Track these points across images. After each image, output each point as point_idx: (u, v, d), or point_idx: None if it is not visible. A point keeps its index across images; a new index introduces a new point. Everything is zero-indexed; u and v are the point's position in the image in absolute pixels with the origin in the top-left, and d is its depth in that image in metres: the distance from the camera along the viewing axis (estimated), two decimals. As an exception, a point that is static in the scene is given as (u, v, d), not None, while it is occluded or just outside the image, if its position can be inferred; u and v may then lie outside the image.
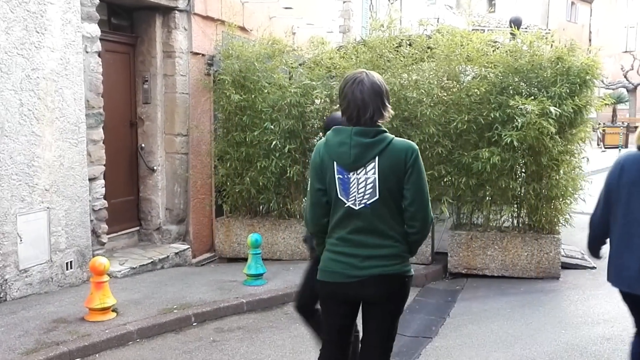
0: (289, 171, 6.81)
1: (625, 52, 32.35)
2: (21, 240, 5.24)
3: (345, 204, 2.63)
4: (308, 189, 2.77)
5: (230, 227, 7.35)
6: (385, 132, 2.63)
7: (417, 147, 2.66)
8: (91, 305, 4.77)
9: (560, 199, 6.48)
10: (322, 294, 2.81)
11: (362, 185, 2.59)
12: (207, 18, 7.59)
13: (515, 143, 6.00)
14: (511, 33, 7.04)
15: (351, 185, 2.60)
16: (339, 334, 2.80)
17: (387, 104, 2.64)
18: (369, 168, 2.59)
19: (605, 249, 3.37)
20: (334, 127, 2.70)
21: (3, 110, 5.03)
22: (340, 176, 2.63)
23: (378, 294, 2.66)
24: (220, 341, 4.69)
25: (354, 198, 2.61)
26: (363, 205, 2.60)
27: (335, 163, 2.63)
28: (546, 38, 6.90)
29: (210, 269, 7.02)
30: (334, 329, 2.81)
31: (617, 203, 3.10)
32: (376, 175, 2.58)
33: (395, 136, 2.67)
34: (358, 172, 2.60)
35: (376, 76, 2.65)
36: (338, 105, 2.76)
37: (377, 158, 2.58)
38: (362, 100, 2.58)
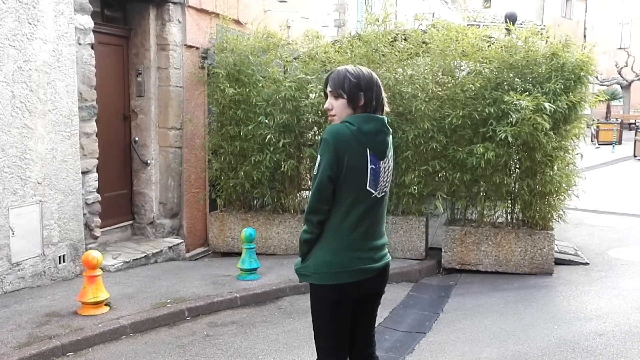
0: (283, 165, 6.79)
1: (620, 48, 32.43)
2: (13, 234, 5.20)
3: (372, 194, 2.56)
4: (317, 177, 2.53)
5: (224, 221, 7.34)
6: None
7: None
8: (84, 299, 4.75)
9: (554, 195, 6.50)
10: (342, 298, 2.58)
11: (387, 174, 2.63)
12: (201, 11, 7.54)
13: (510, 139, 6.00)
14: (506, 28, 7.03)
15: (381, 175, 2.59)
16: (345, 337, 2.66)
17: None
18: (389, 156, 2.64)
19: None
20: (362, 114, 2.57)
21: (-5, 103, 4.99)
22: (373, 166, 2.54)
23: (384, 283, 2.72)
24: (213, 336, 4.68)
25: (380, 188, 2.60)
26: (383, 193, 2.64)
27: (368, 151, 2.53)
28: (541, 34, 6.90)
29: (203, 264, 7.00)
30: (343, 332, 2.64)
31: None
32: (391, 164, 2.66)
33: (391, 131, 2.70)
34: (385, 161, 2.61)
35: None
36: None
37: (391, 146, 2.67)
38: (380, 93, 2.64)
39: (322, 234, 2.59)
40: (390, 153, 2.66)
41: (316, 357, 2.73)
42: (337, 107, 2.59)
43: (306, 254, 2.63)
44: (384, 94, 2.65)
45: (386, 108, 2.67)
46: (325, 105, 2.65)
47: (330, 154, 2.48)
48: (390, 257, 2.74)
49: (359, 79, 2.57)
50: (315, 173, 2.54)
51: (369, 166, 2.53)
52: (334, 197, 2.53)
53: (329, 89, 2.62)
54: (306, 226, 2.61)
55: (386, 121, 2.63)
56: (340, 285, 2.55)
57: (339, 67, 2.66)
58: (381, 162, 2.59)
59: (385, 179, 2.62)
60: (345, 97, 2.56)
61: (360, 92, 2.56)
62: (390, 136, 2.66)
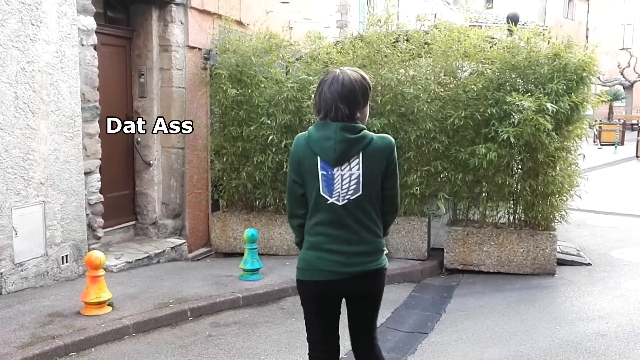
0: (285, 166, 6.80)
1: (622, 49, 32.40)
2: (16, 234, 5.22)
3: (328, 200, 2.60)
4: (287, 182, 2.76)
5: (226, 221, 7.35)
6: (365, 129, 2.64)
7: (394, 140, 2.72)
8: (87, 300, 4.76)
9: (556, 196, 6.49)
10: (308, 294, 2.73)
11: (347, 181, 2.59)
12: (203, 12, 7.55)
13: (512, 139, 6.00)
14: (508, 29, 7.03)
15: (335, 181, 2.59)
16: (327, 333, 2.79)
17: (362, 103, 2.64)
18: (353, 164, 2.58)
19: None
20: (318, 122, 2.63)
21: (-2, 103, 5.01)
22: (324, 172, 2.58)
23: (364, 289, 2.71)
24: (216, 336, 4.69)
25: (337, 194, 2.59)
26: (347, 201, 2.60)
27: (319, 158, 2.58)
28: (543, 34, 6.90)
29: (206, 264, 7.01)
30: (320, 328, 2.79)
31: None
32: (360, 172, 2.59)
33: (393, 132, 2.70)
34: (342, 167, 2.58)
35: (352, 75, 2.62)
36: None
37: (361, 154, 2.59)
38: (332, 100, 2.57)
39: None
40: (356, 162, 2.58)
41: None
42: None
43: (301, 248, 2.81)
44: (358, 99, 2.59)
45: (359, 114, 2.62)
46: None
47: (291, 160, 2.69)
48: (382, 265, 2.70)
49: (320, 84, 2.63)
50: None
51: (319, 172, 2.59)
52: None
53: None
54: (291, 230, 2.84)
55: (344, 128, 2.56)
56: (304, 281, 2.71)
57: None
58: (335, 169, 2.57)
59: (346, 187, 2.58)
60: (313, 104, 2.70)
61: (317, 98, 2.64)
62: (356, 143, 2.57)
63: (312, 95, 6.91)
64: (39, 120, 5.39)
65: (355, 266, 2.63)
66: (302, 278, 2.70)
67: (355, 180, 2.59)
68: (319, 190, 2.60)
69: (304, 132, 2.68)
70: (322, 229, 2.63)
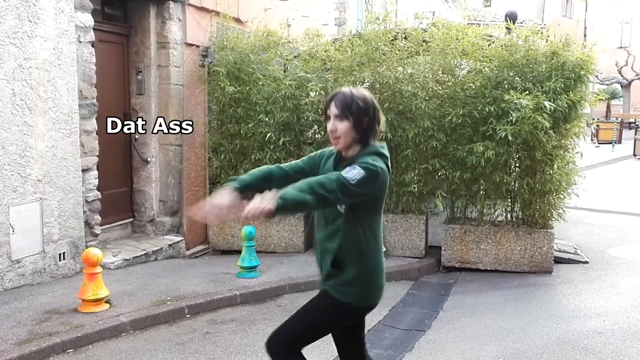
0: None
1: (620, 47, 32.41)
2: (13, 231, 5.21)
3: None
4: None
5: (224, 219, 7.32)
6: None
7: None
8: (84, 297, 4.76)
9: (554, 194, 6.50)
10: (355, 316, 2.72)
11: None
12: (201, 9, 7.54)
13: (510, 137, 6.01)
14: (507, 27, 7.03)
15: None
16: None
17: None
18: None
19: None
20: (378, 142, 2.64)
21: (-5, 100, 5.00)
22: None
23: None
24: (213, 333, 4.69)
25: None
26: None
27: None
28: (541, 33, 6.90)
29: (203, 261, 7.01)
30: (318, 338, 2.77)
31: None
32: None
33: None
34: None
35: None
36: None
37: None
38: None
39: None
40: None
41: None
42: (342, 130, 2.55)
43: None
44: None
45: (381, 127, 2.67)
46: (329, 127, 2.59)
47: (384, 182, 2.57)
48: (327, 290, 2.65)
49: (366, 102, 2.57)
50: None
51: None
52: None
53: (334, 110, 2.56)
54: None
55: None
56: (366, 307, 2.73)
57: (343, 89, 2.63)
58: None
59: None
60: (352, 120, 2.54)
61: (378, 118, 2.61)
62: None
63: (311, 93, 7.00)
64: (36, 117, 5.38)
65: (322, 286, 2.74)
66: (368, 304, 2.67)
67: None
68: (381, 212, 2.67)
69: (384, 150, 2.60)
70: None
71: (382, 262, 2.66)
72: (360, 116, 2.53)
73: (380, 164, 2.49)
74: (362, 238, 2.56)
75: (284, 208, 2.27)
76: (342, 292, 2.58)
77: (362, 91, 2.61)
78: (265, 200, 2.23)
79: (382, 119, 2.64)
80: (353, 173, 2.43)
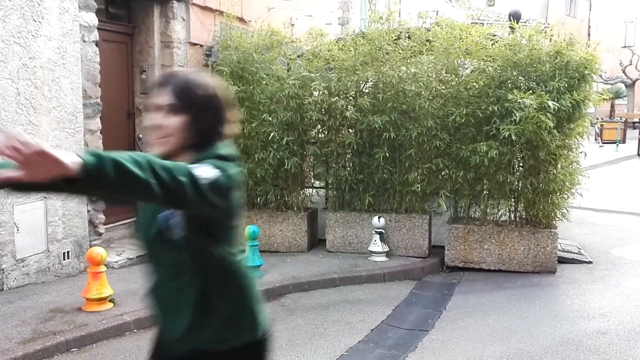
0: (286, 163, 6.80)
1: (624, 47, 32.33)
2: (18, 230, 5.23)
3: None
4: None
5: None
6: None
7: None
8: (88, 296, 4.77)
9: (558, 194, 6.49)
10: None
11: None
12: (205, 8, 7.55)
13: (513, 137, 6.00)
14: (510, 27, 7.02)
15: None
16: None
17: None
18: None
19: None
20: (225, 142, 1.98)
21: (0, 99, 5.01)
22: None
23: None
24: (217, 332, 4.69)
25: None
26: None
27: None
28: (545, 32, 6.89)
29: (207, 261, 7.00)
30: None
31: None
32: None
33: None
34: None
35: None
36: None
37: None
38: None
39: None
40: None
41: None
42: (174, 127, 1.82)
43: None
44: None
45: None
46: (153, 122, 1.85)
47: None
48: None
49: (208, 93, 1.86)
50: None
51: None
52: None
53: (163, 99, 1.83)
54: None
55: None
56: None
57: (178, 71, 2.01)
58: None
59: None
60: (190, 115, 1.81)
61: (207, 113, 1.87)
62: None
63: (315, 93, 7.01)
64: (40, 117, 5.39)
65: None
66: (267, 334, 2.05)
67: None
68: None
69: (230, 152, 1.96)
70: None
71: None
72: (201, 111, 1.82)
73: (232, 170, 1.84)
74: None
75: (98, 173, 1.37)
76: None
77: (204, 77, 1.90)
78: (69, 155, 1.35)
79: (234, 117, 1.94)
80: (204, 170, 1.66)
